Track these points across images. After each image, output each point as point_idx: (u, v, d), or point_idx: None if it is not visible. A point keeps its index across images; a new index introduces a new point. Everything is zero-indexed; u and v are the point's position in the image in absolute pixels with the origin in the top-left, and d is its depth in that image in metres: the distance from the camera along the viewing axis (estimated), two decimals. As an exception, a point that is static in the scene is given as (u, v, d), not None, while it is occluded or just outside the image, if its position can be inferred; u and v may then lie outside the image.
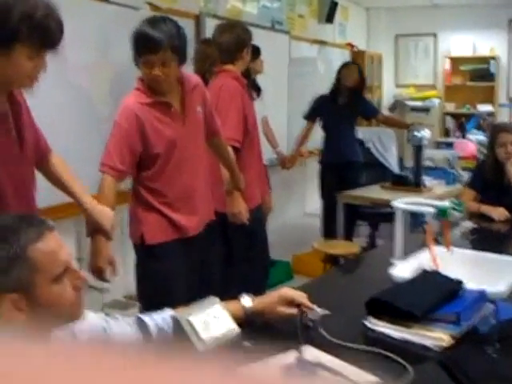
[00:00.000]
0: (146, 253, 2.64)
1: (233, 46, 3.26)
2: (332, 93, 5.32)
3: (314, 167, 5.84)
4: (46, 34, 1.83)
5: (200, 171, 2.71)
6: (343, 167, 5.24)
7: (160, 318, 1.63)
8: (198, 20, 4.81)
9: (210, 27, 4.46)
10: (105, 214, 2.28)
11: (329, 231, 5.27)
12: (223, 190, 3.07)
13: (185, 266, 2.66)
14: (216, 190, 2.97)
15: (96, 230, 2.30)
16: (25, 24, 1.78)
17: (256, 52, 4.37)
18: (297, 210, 7.07)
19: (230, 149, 3.04)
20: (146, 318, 1.62)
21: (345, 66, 5.40)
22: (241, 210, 3.07)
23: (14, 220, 1.24)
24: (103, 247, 2.32)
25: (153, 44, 2.41)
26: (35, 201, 2.10)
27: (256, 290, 3.21)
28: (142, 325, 1.60)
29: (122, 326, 1.56)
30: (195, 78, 2.76)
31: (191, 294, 2.49)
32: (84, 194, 2.25)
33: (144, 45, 2.44)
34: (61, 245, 1.27)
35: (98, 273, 2.34)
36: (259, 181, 3.37)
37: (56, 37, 1.88)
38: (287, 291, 1.80)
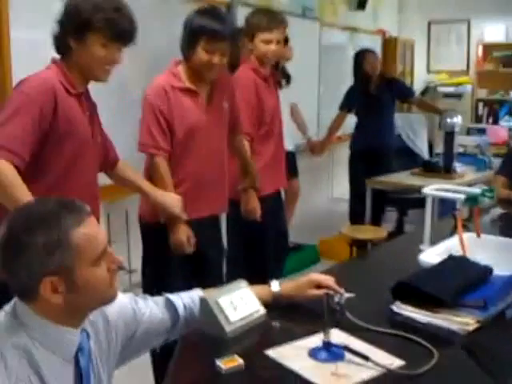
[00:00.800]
0: (148, 231, 2.72)
1: (243, 34, 3.20)
2: (361, 84, 5.29)
3: (341, 152, 5.83)
4: (115, 26, 2.10)
5: (217, 162, 2.76)
6: (374, 155, 5.21)
7: (188, 298, 1.67)
8: (230, 8, 4.81)
9: (241, 15, 4.47)
10: (173, 200, 2.55)
11: (356, 217, 5.27)
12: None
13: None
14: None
15: (170, 215, 2.57)
16: (96, 15, 2.07)
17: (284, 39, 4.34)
18: (324, 194, 7.06)
19: (246, 143, 3.08)
20: (175, 298, 1.66)
21: (362, 57, 5.33)
22: (254, 206, 3.09)
23: (54, 206, 1.27)
24: (179, 226, 2.58)
25: (221, 33, 2.54)
26: (97, 186, 2.35)
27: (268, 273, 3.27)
28: (170, 306, 1.63)
29: (151, 306, 1.59)
30: (227, 75, 2.87)
31: (186, 282, 2.57)
32: (151, 188, 2.54)
33: (212, 32, 2.53)
34: (98, 229, 1.31)
35: (179, 246, 2.60)
36: (272, 170, 3.30)
37: (125, 29, 2.14)
38: (316, 276, 1.83)
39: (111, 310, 1.46)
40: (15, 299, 1.30)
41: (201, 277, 2.68)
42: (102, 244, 1.29)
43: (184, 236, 2.60)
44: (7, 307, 1.31)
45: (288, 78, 4.50)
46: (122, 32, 2.15)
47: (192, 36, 2.58)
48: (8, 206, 1.96)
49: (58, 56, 2.21)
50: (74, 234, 1.24)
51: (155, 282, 2.67)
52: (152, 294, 1.69)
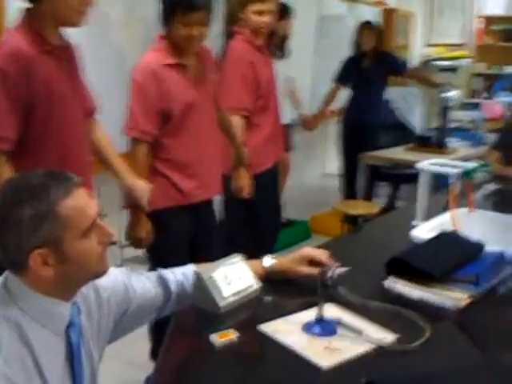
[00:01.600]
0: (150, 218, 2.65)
1: (235, 5, 3.13)
2: (355, 56, 5.26)
3: (334, 128, 5.81)
4: None
5: (212, 139, 2.71)
6: (364, 129, 5.21)
7: (181, 275, 1.67)
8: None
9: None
10: (142, 189, 2.44)
11: (349, 192, 5.29)
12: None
13: (187, 233, 2.69)
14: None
15: (134, 203, 2.47)
16: None
17: (284, 12, 4.28)
18: (316, 170, 7.05)
19: (237, 119, 3.03)
20: (168, 273, 1.66)
21: (360, 30, 5.29)
22: (244, 184, 3.06)
23: (42, 177, 1.26)
24: (142, 219, 2.51)
25: (195, 4, 2.44)
26: (88, 151, 2.28)
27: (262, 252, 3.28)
28: (163, 281, 1.63)
29: (144, 282, 1.59)
30: (206, 46, 2.75)
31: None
32: (124, 170, 2.41)
33: (187, 3, 2.44)
34: (88, 200, 1.29)
35: (138, 242, 2.54)
36: (272, 144, 3.27)
37: None
38: (309, 250, 1.82)
39: (103, 285, 1.46)
40: (7, 272, 1.29)
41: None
42: (91, 216, 1.27)
43: (143, 232, 2.53)
44: None
45: (283, 51, 4.45)
46: None
47: (167, 10, 2.51)
48: None
49: (28, 6, 2.09)
50: (62, 205, 1.22)
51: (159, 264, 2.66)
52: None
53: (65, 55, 2.16)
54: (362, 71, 5.21)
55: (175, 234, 2.65)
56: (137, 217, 2.52)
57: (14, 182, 1.30)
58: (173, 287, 1.63)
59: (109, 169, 2.45)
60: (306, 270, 1.77)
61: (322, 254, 1.79)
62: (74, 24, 2.11)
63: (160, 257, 2.63)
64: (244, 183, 3.06)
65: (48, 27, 2.06)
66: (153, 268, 2.65)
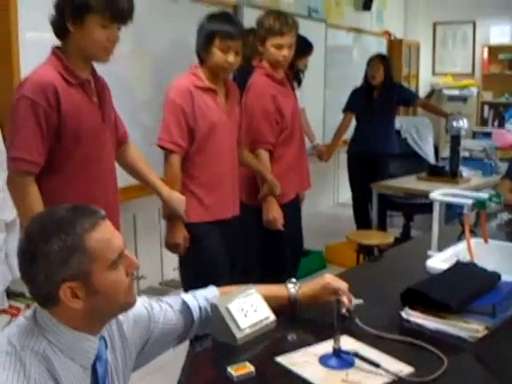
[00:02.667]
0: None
1: (255, 39, 3.21)
2: (365, 88, 5.30)
3: (346, 157, 5.84)
4: (113, 6, 2.07)
5: (232, 163, 2.84)
6: (372, 159, 5.22)
7: (204, 299, 1.67)
8: (236, 9, 4.83)
9: (247, 16, 4.49)
10: (178, 200, 2.63)
11: (362, 222, 5.28)
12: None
13: (222, 248, 2.80)
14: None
15: (172, 214, 2.66)
16: None
17: (306, 48, 4.35)
18: (330, 199, 7.07)
19: (263, 152, 3.12)
20: (190, 299, 1.66)
21: (369, 63, 5.31)
22: (275, 216, 3.10)
23: (68, 212, 1.28)
24: (179, 226, 2.69)
25: (233, 33, 2.66)
26: (116, 177, 2.40)
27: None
28: (185, 309, 1.63)
29: (165, 310, 1.60)
30: (234, 83, 2.95)
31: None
32: (160, 183, 2.60)
33: (228, 31, 2.66)
34: (114, 232, 1.31)
35: (175, 247, 2.71)
36: (294, 174, 3.30)
37: (123, 8, 2.11)
38: (332, 281, 1.77)
39: (126, 317, 1.47)
40: (36, 305, 1.30)
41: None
42: (118, 247, 1.29)
43: (181, 238, 2.70)
44: (27, 313, 1.31)
45: (299, 82, 4.53)
46: (121, 12, 2.12)
47: (207, 38, 2.69)
48: (23, 216, 2.09)
49: (57, 43, 2.20)
50: (89, 238, 1.24)
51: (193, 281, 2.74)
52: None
53: (96, 88, 2.26)
54: (371, 102, 5.24)
55: (212, 246, 2.78)
56: (174, 224, 2.69)
57: (41, 217, 1.32)
58: (195, 314, 1.64)
59: (147, 185, 2.64)
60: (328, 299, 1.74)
61: (344, 287, 1.74)
62: (100, 60, 2.22)
63: (195, 269, 2.77)
64: (276, 215, 3.09)
65: (76, 62, 2.16)
66: (187, 283, 2.79)
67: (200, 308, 1.65)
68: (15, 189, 2.14)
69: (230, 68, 2.73)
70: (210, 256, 2.77)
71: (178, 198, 2.63)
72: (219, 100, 2.77)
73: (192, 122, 2.69)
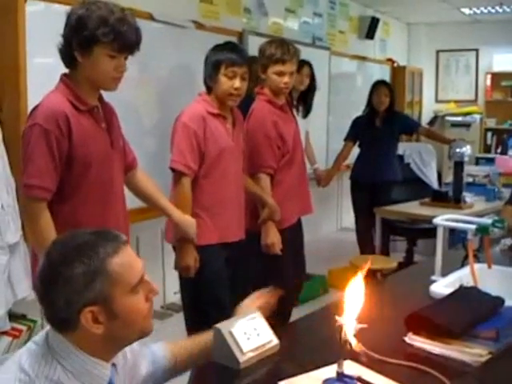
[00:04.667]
0: None
1: (257, 66, 3.25)
2: (368, 115, 5.31)
3: (349, 182, 5.86)
4: (120, 36, 2.08)
5: (240, 188, 2.89)
6: (374, 185, 5.22)
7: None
8: (241, 37, 4.89)
9: (252, 44, 4.54)
10: (189, 223, 2.66)
11: (366, 247, 5.27)
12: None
13: (224, 271, 2.81)
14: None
15: (183, 237, 2.68)
16: (101, 27, 2.04)
17: (299, 66, 4.36)
18: (333, 224, 7.07)
19: (264, 177, 3.14)
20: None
21: (373, 89, 5.32)
22: (273, 241, 3.11)
23: (90, 236, 1.28)
24: (190, 248, 2.71)
25: (238, 60, 2.74)
26: (125, 201, 2.43)
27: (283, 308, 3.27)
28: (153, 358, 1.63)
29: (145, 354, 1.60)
30: (238, 111, 3.00)
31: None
32: (172, 207, 2.62)
33: (233, 58, 2.75)
34: (135, 257, 1.31)
35: (187, 270, 2.72)
36: (295, 199, 3.31)
37: (130, 39, 2.12)
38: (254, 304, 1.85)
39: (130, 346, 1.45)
40: (48, 329, 1.29)
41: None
42: (139, 272, 1.30)
43: (192, 260, 2.71)
44: (37, 337, 1.30)
45: (308, 109, 4.54)
46: (129, 43, 2.14)
47: (213, 67, 2.76)
48: (35, 242, 2.13)
49: (66, 70, 2.23)
50: (112, 262, 1.24)
51: (193, 306, 2.79)
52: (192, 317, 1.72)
53: (104, 114, 2.27)
54: (373, 130, 5.25)
55: (215, 270, 2.79)
56: (185, 247, 2.70)
57: (62, 240, 1.32)
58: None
59: (158, 209, 2.65)
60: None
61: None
62: (108, 89, 2.24)
63: (198, 290, 2.77)
64: (274, 240, 3.10)
65: (84, 89, 2.17)
66: (187, 307, 2.81)
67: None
68: (28, 215, 2.18)
69: (236, 94, 2.77)
70: (211, 281, 2.77)
71: (189, 221, 2.66)
72: (228, 126, 2.84)
73: (203, 146, 2.74)
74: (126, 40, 2.11)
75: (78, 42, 2.09)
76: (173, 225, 2.70)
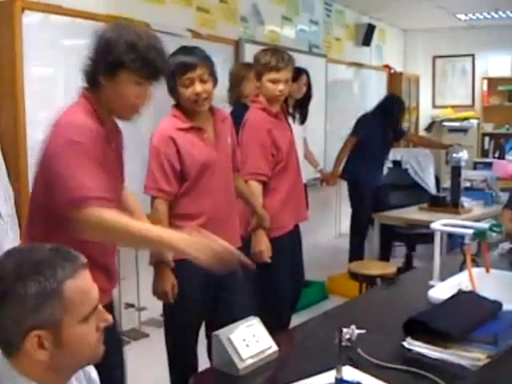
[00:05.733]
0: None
1: (254, 72, 3.23)
2: (380, 119, 5.31)
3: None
4: (147, 63, 1.97)
5: (227, 197, 2.77)
6: (377, 190, 5.29)
7: None
8: (238, 45, 4.91)
9: (249, 52, 4.56)
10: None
11: (357, 251, 5.29)
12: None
13: (202, 286, 2.65)
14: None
15: (158, 260, 2.54)
16: (129, 53, 1.94)
17: (294, 75, 4.38)
18: (331, 230, 7.07)
19: (255, 184, 3.11)
20: None
21: (400, 105, 5.49)
22: (262, 249, 3.08)
23: (49, 253, 1.19)
24: (166, 273, 2.56)
25: (190, 62, 2.56)
26: None
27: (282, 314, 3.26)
28: None
29: None
30: (225, 112, 2.87)
31: (205, 315, 2.67)
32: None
33: (183, 64, 2.55)
34: (92, 283, 1.22)
35: (164, 295, 2.57)
36: (291, 206, 3.30)
37: (160, 67, 2.02)
38: None
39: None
40: None
41: (217, 314, 2.68)
42: (94, 300, 1.21)
43: (169, 285, 2.57)
44: None
45: (304, 116, 4.57)
46: (157, 70, 2.03)
47: (170, 78, 2.57)
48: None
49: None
50: (68, 286, 1.15)
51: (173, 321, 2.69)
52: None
53: (115, 139, 2.19)
54: (384, 134, 5.30)
55: (188, 284, 2.63)
56: (162, 272, 2.58)
57: (17, 254, 1.21)
58: None
59: None
60: None
61: None
62: (124, 117, 2.13)
63: (177, 308, 2.63)
64: (263, 248, 3.08)
65: (103, 112, 2.07)
66: (168, 323, 2.70)
67: None
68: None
69: (203, 98, 2.60)
70: (184, 295, 2.62)
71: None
72: (206, 136, 2.68)
73: (178, 164, 2.61)
74: (153, 67, 2.01)
75: (105, 65, 1.99)
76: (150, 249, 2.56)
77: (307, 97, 4.62)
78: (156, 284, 2.60)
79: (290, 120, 3.75)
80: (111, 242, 2.08)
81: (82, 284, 1.19)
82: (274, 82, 3.13)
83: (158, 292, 2.60)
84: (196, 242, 1.88)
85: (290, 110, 4.37)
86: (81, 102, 2.06)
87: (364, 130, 5.32)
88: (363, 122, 5.39)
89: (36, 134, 3.33)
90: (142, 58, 1.96)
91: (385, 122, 5.31)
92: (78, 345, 1.18)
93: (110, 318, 1.26)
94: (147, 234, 1.90)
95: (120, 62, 1.96)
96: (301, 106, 4.61)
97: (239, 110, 3.56)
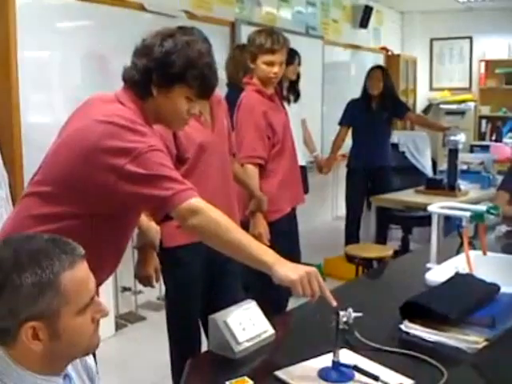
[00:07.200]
0: (166, 257, 2.65)
1: (246, 56, 3.22)
2: (362, 99, 5.30)
3: (345, 171, 5.86)
4: (205, 83, 1.92)
5: (226, 179, 2.75)
6: (373, 172, 5.25)
7: None
8: (234, 27, 4.87)
9: (245, 34, 4.52)
10: (155, 230, 2.48)
11: (352, 235, 5.29)
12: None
13: (205, 270, 2.67)
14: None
15: (145, 244, 2.50)
16: (189, 71, 1.87)
17: (291, 57, 4.37)
18: (328, 213, 7.08)
19: (251, 167, 3.09)
20: None
21: (368, 74, 5.30)
22: (261, 231, 3.07)
23: (47, 243, 1.18)
24: (151, 257, 2.52)
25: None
26: None
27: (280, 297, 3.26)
28: None
29: None
30: (219, 94, 2.81)
31: (205, 299, 2.64)
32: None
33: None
34: (89, 275, 1.22)
35: (147, 279, 2.53)
36: (288, 189, 3.29)
37: (213, 86, 1.97)
38: None
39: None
40: None
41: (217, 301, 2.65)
42: (90, 291, 1.21)
43: (153, 269, 2.54)
44: None
45: (297, 95, 4.56)
46: (211, 89, 1.98)
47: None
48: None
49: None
50: (65, 277, 1.15)
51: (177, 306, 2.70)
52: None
53: None
54: (367, 114, 5.24)
55: (190, 270, 2.65)
56: (146, 255, 2.53)
57: (15, 243, 1.20)
58: None
59: None
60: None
61: None
62: (173, 129, 2.17)
63: (178, 293, 2.67)
64: (261, 230, 3.08)
65: (148, 122, 1.97)
66: (170, 311, 2.69)
67: None
68: None
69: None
70: (187, 280, 2.65)
71: (153, 228, 2.48)
72: (203, 119, 2.65)
73: (176, 147, 2.51)
74: (209, 86, 1.97)
75: (161, 77, 1.90)
76: (138, 232, 2.50)
77: (298, 77, 4.64)
78: (139, 268, 2.54)
79: (285, 103, 3.73)
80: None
81: (79, 276, 1.18)
82: (269, 64, 3.10)
83: (140, 276, 2.55)
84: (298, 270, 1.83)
85: (284, 93, 4.35)
86: (127, 105, 1.93)
87: (347, 118, 5.33)
88: (345, 110, 5.37)
89: (30, 117, 3.32)
90: (201, 75, 1.89)
91: (365, 98, 5.26)
92: (74, 336, 1.18)
93: (106, 309, 1.25)
94: (261, 257, 1.81)
95: (178, 78, 1.88)
96: (294, 87, 4.61)
97: (233, 91, 3.52)
